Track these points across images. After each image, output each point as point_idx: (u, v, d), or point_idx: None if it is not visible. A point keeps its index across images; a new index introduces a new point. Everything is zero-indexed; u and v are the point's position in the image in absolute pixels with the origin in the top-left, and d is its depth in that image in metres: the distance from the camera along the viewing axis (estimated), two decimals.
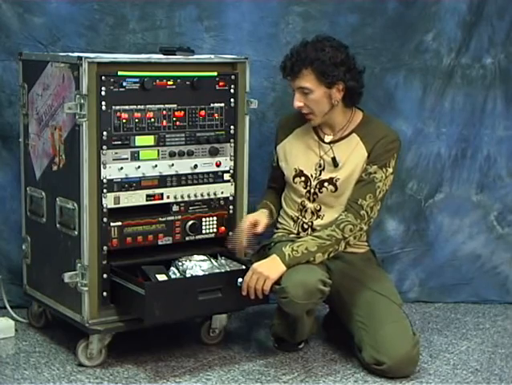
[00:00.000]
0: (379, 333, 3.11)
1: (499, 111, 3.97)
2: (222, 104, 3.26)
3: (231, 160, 3.31)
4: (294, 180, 3.32)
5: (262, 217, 3.31)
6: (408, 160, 3.93)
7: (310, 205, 3.30)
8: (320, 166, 3.28)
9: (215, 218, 3.30)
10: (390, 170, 3.21)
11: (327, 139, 3.29)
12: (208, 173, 3.26)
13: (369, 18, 3.80)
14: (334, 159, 3.25)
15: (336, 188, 3.25)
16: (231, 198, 3.33)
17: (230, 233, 3.30)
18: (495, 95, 3.96)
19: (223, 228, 3.32)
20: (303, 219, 3.31)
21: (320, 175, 3.28)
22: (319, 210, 3.28)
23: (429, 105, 3.92)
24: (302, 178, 3.30)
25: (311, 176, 3.29)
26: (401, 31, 3.84)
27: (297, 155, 3.33)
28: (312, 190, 3.29)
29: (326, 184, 3.26)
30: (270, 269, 3.06)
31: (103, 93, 3.00)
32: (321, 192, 3.27)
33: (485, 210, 4.03)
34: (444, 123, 3.95)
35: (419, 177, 3.97)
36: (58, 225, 3.18)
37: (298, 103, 3.20)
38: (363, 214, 3.16)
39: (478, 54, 3.92)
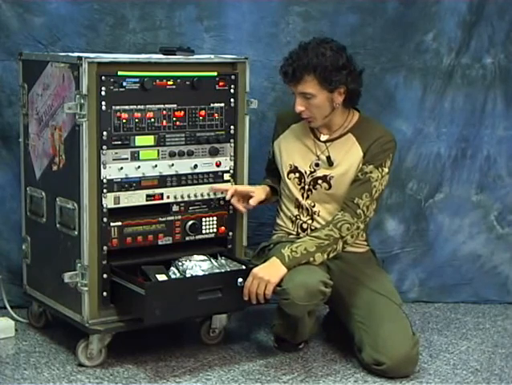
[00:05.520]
0: (379, 333, 3.11)
1: (499, 111, 3.97)
2: (222, 104, 3.26)
3: (231, 160, 3.31)
4: (288, 175, 3.32)
5: (259, 192, 3.32)
6: (408, 160, 3.93)
7: (304, 202, 3.30)
8: (316, 164, 3.29)
9: (215, 218, 3.29)
10: (386, 170, 3.22)
11: (323, 138, 3.29)
12: (208, 173, 3.26)
13: (369, 18, 3.80)
14: (329, 158, 3.26)
15: (330, 186, 3.25)
16: None
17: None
18: (495, 95, 3.96)
19: (223, 228, 3.32)
20: (302, 218, 3.31)
21: (314, 172, 3.28)
22: (314, 206, 3.28)
23: (429, 105, 3.91)
24: (297, 174, 3.31)
25: (305, 172, 3.29)
26: (401, 31, 3.83)
27: (292, 151, 3.33)
28: (306, 186, 3.29)
29: (320, 181, 3.27)
30: (270, 272, 3.05)
31: (103, 93, 3.00)
32: (315, 189, 3.28)
33: (485, 210, 4.03)
34: (445, 123, 3.95)
35: (419, 177, 3.96)
36: (58, 225, 3.18)
37: (299, 107, 3.20)
38: (359, 213, 3.16)
39: (478, 54, 3.92)
